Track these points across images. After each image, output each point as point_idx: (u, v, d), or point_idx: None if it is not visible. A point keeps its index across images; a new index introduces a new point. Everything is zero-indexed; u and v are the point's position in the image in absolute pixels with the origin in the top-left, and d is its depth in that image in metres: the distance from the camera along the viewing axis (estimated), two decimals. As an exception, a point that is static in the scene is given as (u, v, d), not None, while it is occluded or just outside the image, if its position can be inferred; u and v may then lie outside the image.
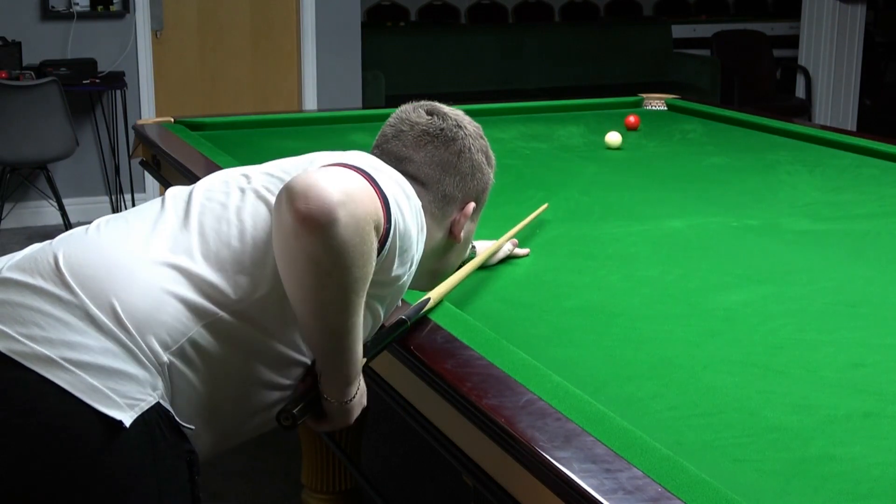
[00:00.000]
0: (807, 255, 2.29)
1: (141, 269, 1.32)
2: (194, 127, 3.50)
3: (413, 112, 1.65)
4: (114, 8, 5.93)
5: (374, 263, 1.29)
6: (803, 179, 3.07)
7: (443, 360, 1.53)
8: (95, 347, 1.25)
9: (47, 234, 5.75)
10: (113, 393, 1.24)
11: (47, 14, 5.80)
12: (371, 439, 2.16)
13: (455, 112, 1.66)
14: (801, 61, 7.40)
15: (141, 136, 3.48)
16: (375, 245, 1.28)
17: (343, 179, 1.25)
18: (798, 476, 1.32)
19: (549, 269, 2.18)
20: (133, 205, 5.95)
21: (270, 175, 1.45)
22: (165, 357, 1.29)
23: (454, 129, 1.62)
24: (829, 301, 1.99)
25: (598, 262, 2.23)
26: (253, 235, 1.37)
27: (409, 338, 1.62)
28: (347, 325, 1.32)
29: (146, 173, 5.21)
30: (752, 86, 7.76)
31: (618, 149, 3.40)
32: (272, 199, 1.37)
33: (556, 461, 1.25)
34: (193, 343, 1.32)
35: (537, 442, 1.30)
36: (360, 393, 1.44)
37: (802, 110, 7.28)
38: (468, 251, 1.84)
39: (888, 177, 3.06)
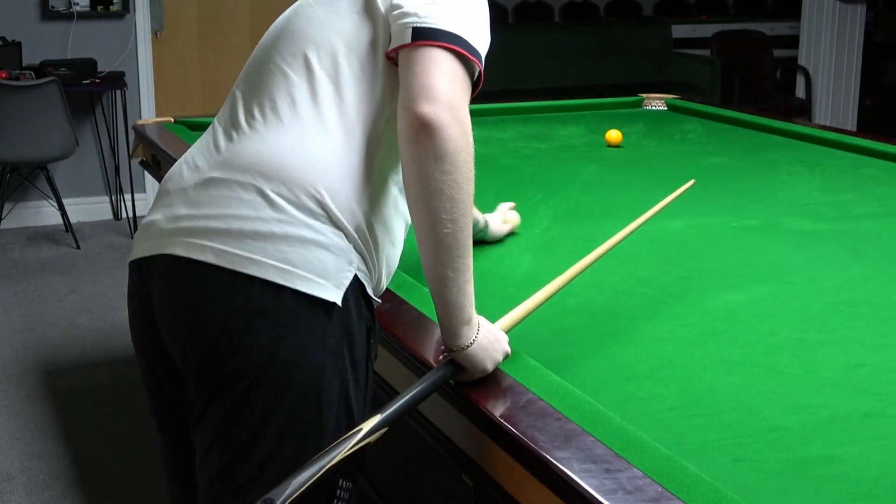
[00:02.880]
0: (807, 255, 2.29)
1: (332, 154, 1.46)
2: (194, 127, 3.50)
3: None
4: (114, 8, 5.93)
5: (472, 172, 1.40)
6: (803, 179, 3.08)
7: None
8: (302, 233, 1.42)
9: (47, 234, 5.76)
10: (322, 279, 1.41)
11: (47, 14, 5.80)
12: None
13: None
14: (801, 61, 7.40)
15: (141, 136, 3.48)
16: (472, 150, 1.40)
17: (447, 76, 1.39)
18: (798, 476, 1.32)
19: (549, 269, 2.17)
20: (133, 205, 5.95)
21: None
22: (357, 223, 1.46)
23: None
24: (829, 301, 1.99)
25: (598, 262, 2.23)
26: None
27: (408, 338, 1.63)
28: (459, 239, 1.38)
29: (146, 173, 5.22)
30: (752, 86, 7.75)
31: (618, 146, 3.41)
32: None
33: (556, 461, 1.25)
34: (371, 196, 1.48)
35: (537, 442, 1.30)
36: (480, 336, 1.45)
37: (802, 110, 7.27)
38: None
39: (888, 177, 3.06)
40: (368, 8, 1.52)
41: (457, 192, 1.36)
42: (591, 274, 2.13)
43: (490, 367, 1.47)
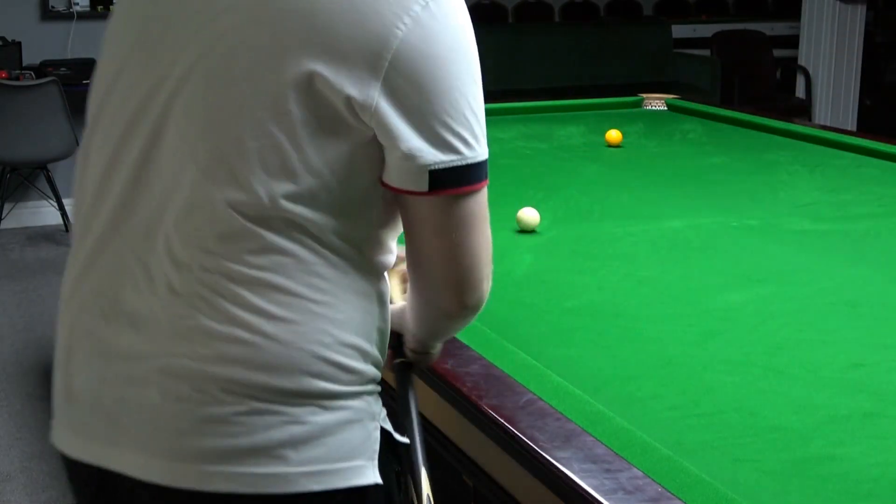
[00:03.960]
0: (807, 255, 2.29)
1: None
2: (194, 127, 3.50)
3: None
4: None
5: None
6: (803, 179, 3.08)
7: (443, 359, 1.52)
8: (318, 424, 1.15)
9: (47, 234, 5.76)
10: (355, 459, 1.17)
11: (47, 14, 5.80)
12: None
13: None
14: (801, 61, 7.39)
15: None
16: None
17: (481, 233, 1.16)
18: (798, 476, 1.32)
19: (549, 269, 2.18)
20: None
21: None
22: (373, 360, 1.20)
23: None
24: (829, 301, 1.99)
25: (598, 262, 2.23)
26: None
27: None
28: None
29: (146, 173, 5.22)
30: (752, 86, 7.75)
31: (618, 146, 3.41)
32: None
33: (556, 461, 1.25)
34: (379, 319, 1.22)
35: (537, 442, 1.30)
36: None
37: (802, 110, 7.27)
38: None
39: (888, 177, 3.06)
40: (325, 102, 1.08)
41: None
42: (592, 274, 2.14)
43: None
